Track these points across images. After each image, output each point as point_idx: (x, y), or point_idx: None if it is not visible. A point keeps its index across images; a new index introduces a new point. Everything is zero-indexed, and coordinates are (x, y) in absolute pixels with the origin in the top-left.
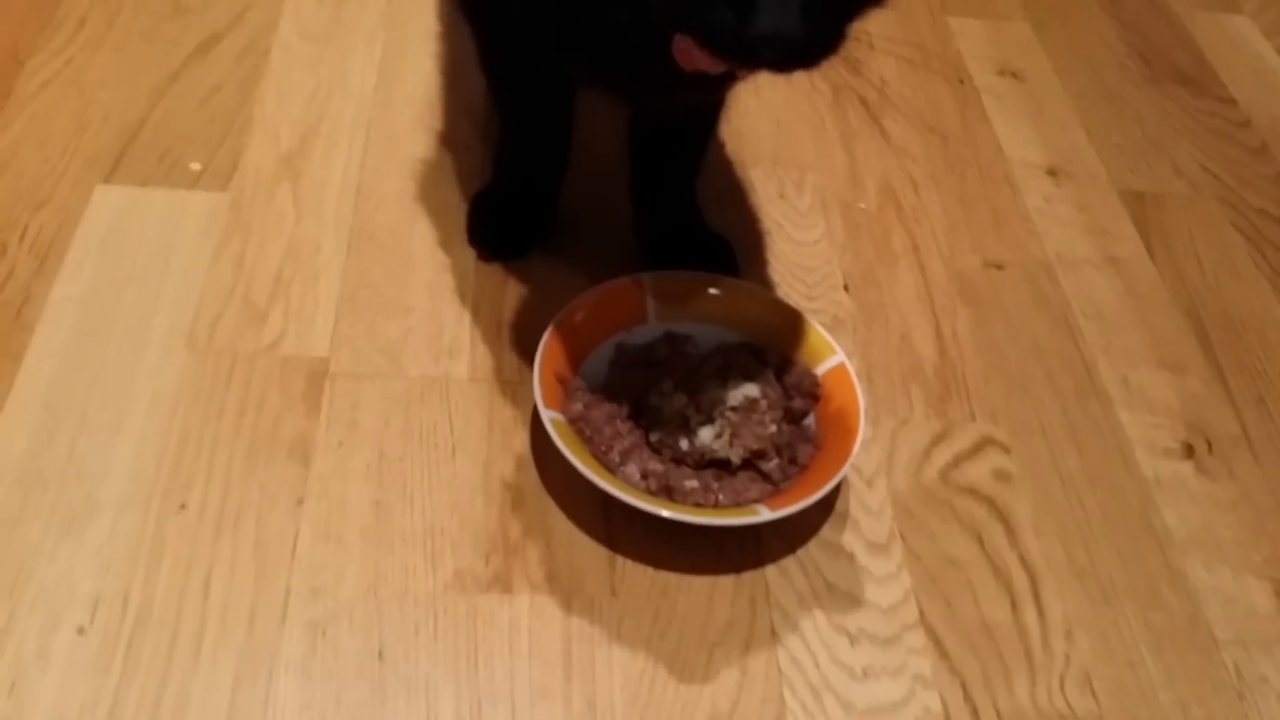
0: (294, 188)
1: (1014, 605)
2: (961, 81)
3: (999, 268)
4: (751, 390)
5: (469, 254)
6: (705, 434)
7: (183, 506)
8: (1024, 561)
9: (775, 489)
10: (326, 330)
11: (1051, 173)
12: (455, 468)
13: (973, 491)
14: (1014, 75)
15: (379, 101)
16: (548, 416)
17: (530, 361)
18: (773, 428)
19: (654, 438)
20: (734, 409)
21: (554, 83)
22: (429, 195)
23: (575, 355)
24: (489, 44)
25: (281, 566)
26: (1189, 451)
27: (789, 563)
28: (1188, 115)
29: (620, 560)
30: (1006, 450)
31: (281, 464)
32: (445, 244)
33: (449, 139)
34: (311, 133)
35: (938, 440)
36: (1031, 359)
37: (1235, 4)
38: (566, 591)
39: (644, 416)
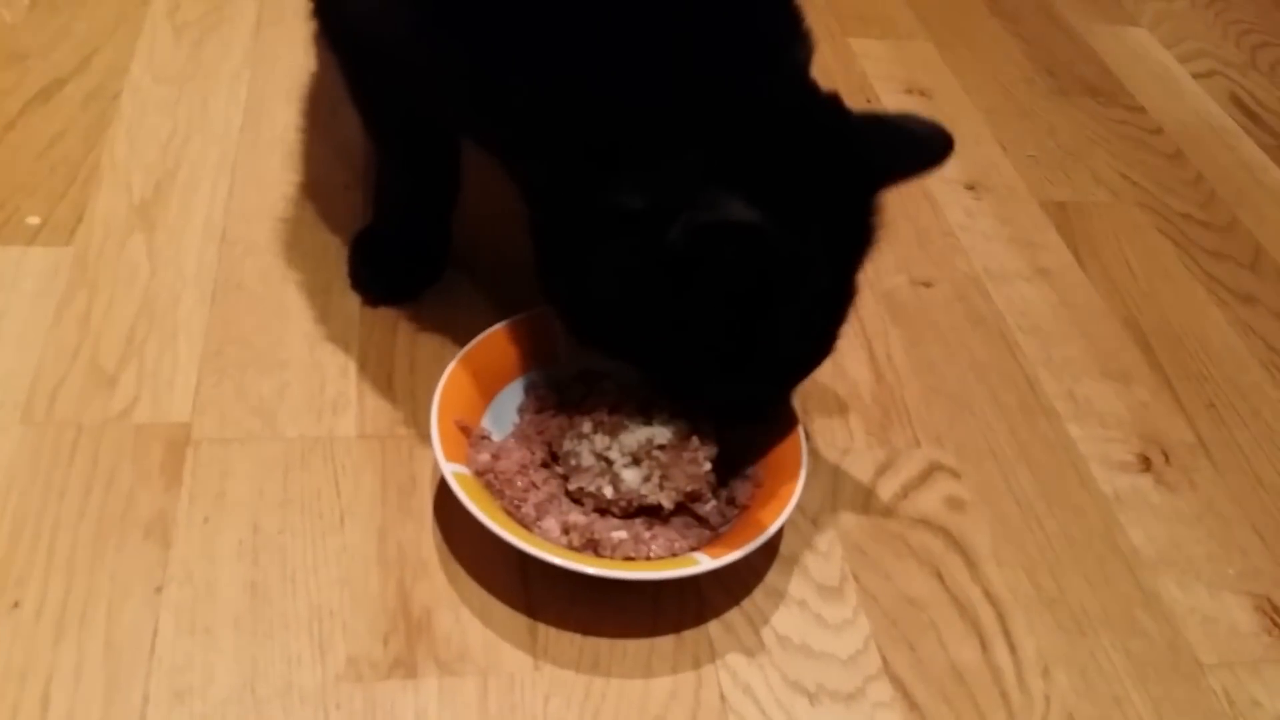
0: (148, 238)
1: (983, 644)
2: (869, 101)
3: (927, 285)
4: (680, 426)
5: (353, 300)
6: (631, 477)
7: (16, 605)
8: (988, 595)
9: (714, 534)
10: (188, 392)
11: (970, 187)
12: (344, 538)
13: (925, 522)
14: (922, 93)
15: (245, 142)
16: (450, 470)
17: (428, 412)
18: (706, 466)
19: (573, 486)
20: (662, 447)
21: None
22: (304, 239)
23: (479, 400)
24: (357, 77)
25: (138, 668)
26: (1146, 464)
27: (734, 616)
28: (1100, 125)
29: (542, 629)
30: (956, 475)
31: (136, 547)
32: (325, 290)
33: (325, 178)
34: (168, 179)
35: (883, 470)
36: (971, 377)
37: (1133, 17)
38: (481, 670)
39: (560, 464)
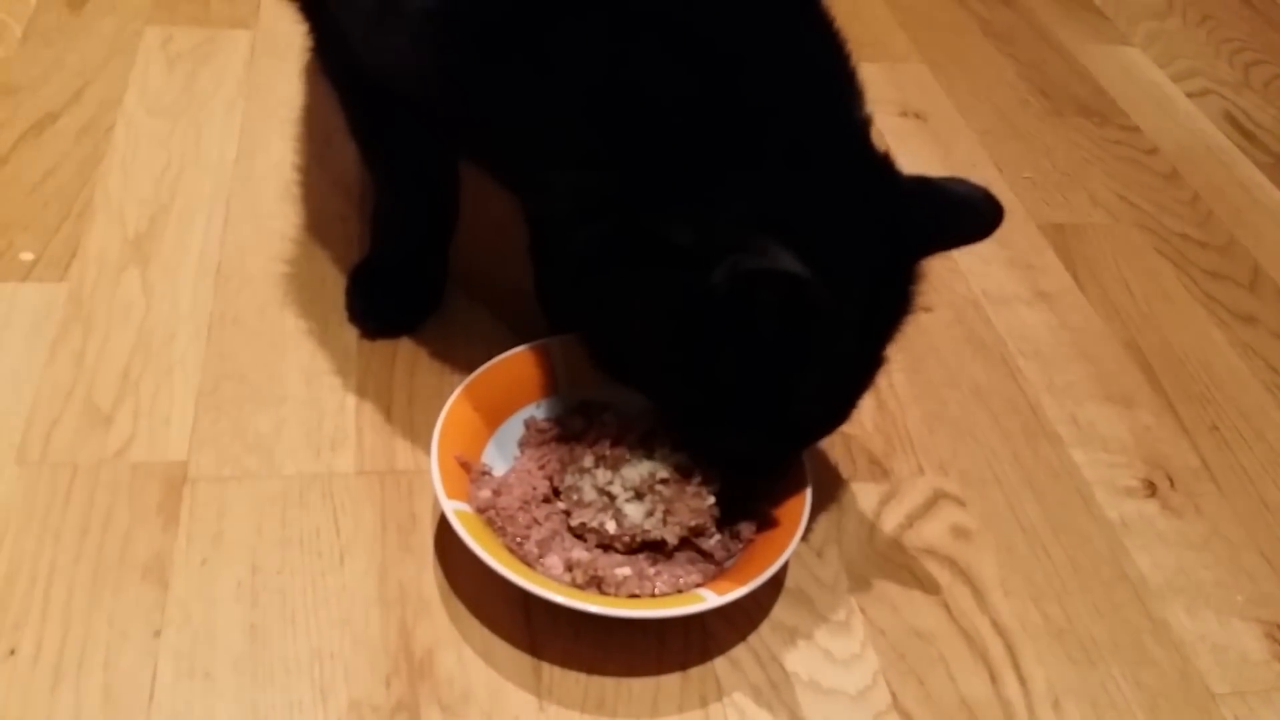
0: (143, 273)
1: (993, 677)
2: None
3: (927, 310)
4: (683, 459)
5: (351, 333)
6: (634, 512)
7: (12, 652)
8: (996, 625)
9: (718, 569)
10: (184, 430)
11: None
12: (344, 578)
13: (931, 552)
14: (917, 116)
15: (240, 174)
16: (450, 508)
17: (427, 447)
18: (710, 500)
19: (575, 522)
20: (664, 481)
21: (430, 137)
22: (301, 271)
23: (479, 435)
24: (358, 110)
25: (137, 715)
26: (1151, 489)
27: (740, 652)
28: (1095, 145)
29: (547, 668)
30: (961, 504)
31: (134, 590)
32: (322, 323)
33: (321, 209)
34: (163, 212)
35: (887, 499)
36: (973, 403)
37: (1125, 37)
38: (486, 712)
39: (562, 499)
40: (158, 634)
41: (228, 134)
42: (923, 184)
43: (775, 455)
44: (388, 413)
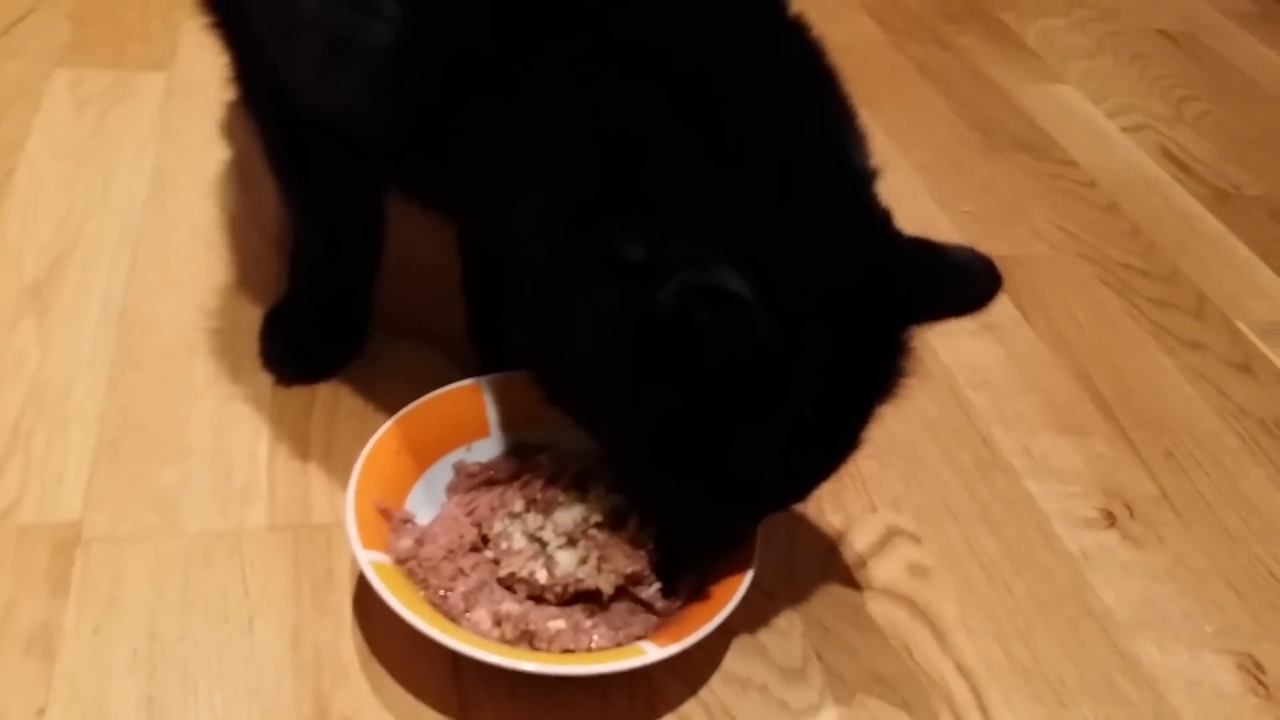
0: (39, 322)
1: None
2: None
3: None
4: (620, 501)
5: (264, 379)
6: (566, 560)
7: None
8: (960, 667)
9: (660, 620)
10: (78, 488)
11: None
12: (253, 642)
13: (888, 592)
14: None
15: (149, 216)
16: (366, 559)
17: (345, 500)
18: (649, 545)
19: (504, 572)
20: (599, 525)
21: (360, 173)
22: (212, 316)
23: (403, 480)
24: (282, 145)
25: None
26: (1110, 519)
27: (691, 708)
28: (1034, 179)
29: None
30: (917, 540)
31: (16, 664)
32: (233, 370)
33: (236, 251)
34: (64, 257)
35: (840, 537)
36: (924, 437)
37: (1058, 75)
38: None
39: (490, 546)
40: (41, 713)
41: (137, 177)
42: (922, 245)
43: (718, 520)
44: (303, 463)
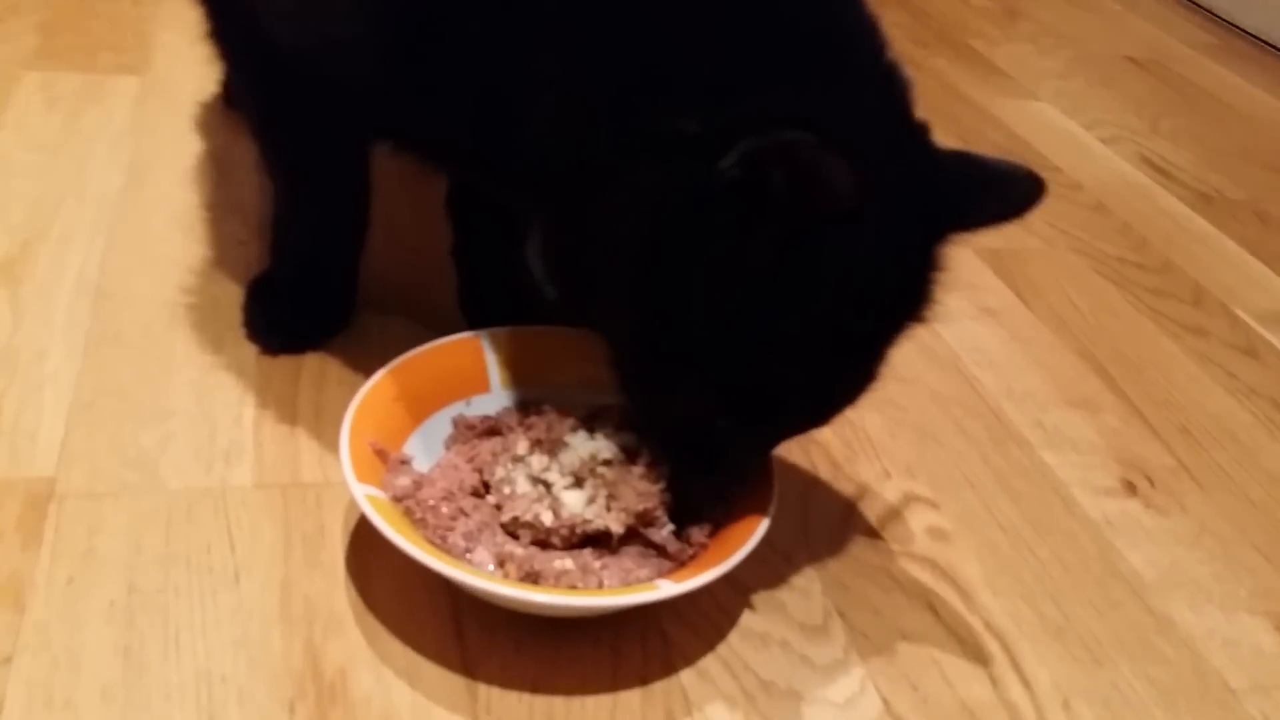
0: (13, 293)
1: (993, 679)
2: None
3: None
4: (629, 439)
5: (248, 350)
6: (573, 500)
7: None
8: (989, 626)
9: (674, 564)
10: (53, 445)
11: None
12: (239, 595)
13: (909, 555)
14: None
15: (126, 202)
16: (361, 492)
17: (337, 460)
18: (660, 483)
19: (507, 517)
20: (607, 463)
21: (349, 135)
22: (191, 293)
23: (401, 426)
24: (264, 99)
25: None
26: (1131, 489)
27: (708, 662)
28: None
29: (484, 689)
30: (934, 505)
31: None
32: (215, 341)
33: (216, 234)
34: (37, 238)
35: (854, 502)
36: (934, 409)
37: (1032, 93)
38: None
39: (492, 493)
40: (8, 661)
41: (113, 167)
42: (961, 155)
43: (732, 444)
44: (291, 426)
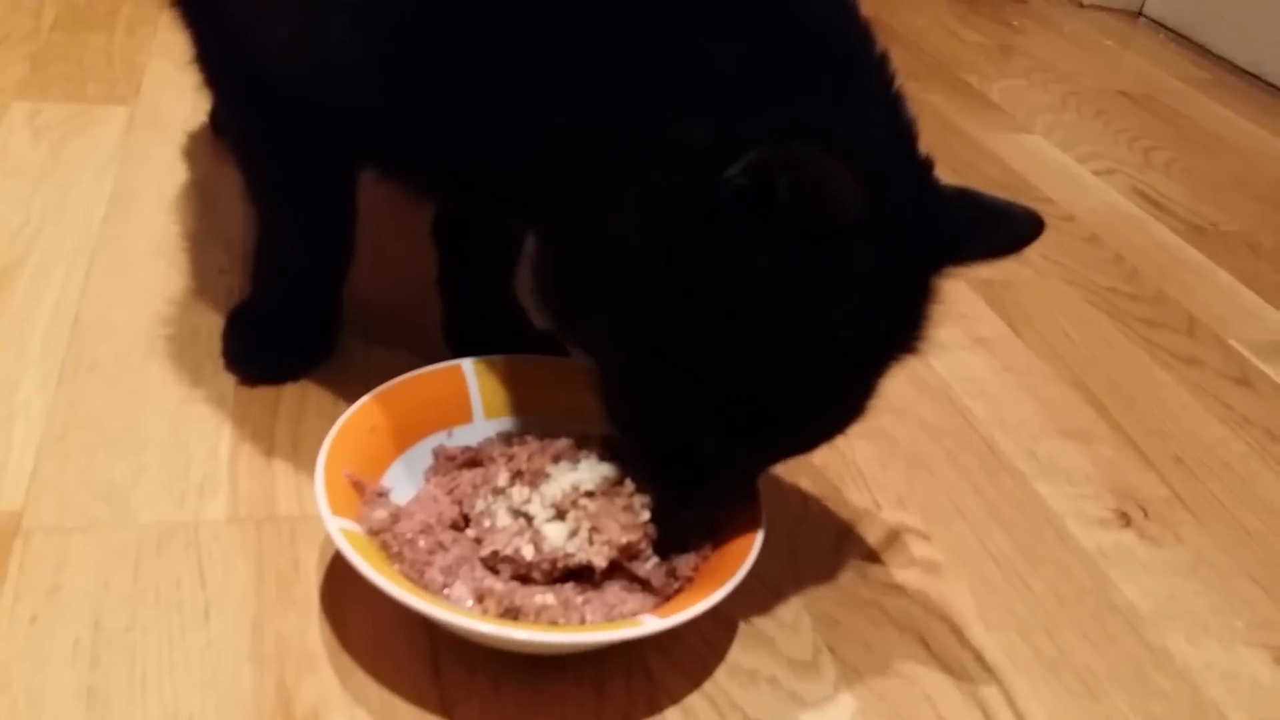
0: None
1: (987, 716)
2: None
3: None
4: (609, 470)
5: (226, 380)
6: (555, 533)
7: None
8: (982, 661)
9: (658, 599)
10: (20, 478)
11: None
12: (209, 633)
13: (899, 588)
14: None
15: (108, 231)
16: (336, 526)
17: (314, 493)
18: (645, 514)
19: (486, 551)
20: (590, 494)
21: (337, 162)
22: (170, 324)
23: (377, 459)
24: (251, 123)
25: None
26: (1125, 519)
27: (695, 700)
28: None
29: None
30: (925, 537)
31: None
32: (194, 371)
33: (198, 263)
34: (15, 266)
35: (844, 534)
36: (925, 440)
37: (1025, 127)
38: None
39: (472, 526)
40: None
41: (96, 195)
42: (962, 191)
43: (720, 466)
44: (267, 459)
